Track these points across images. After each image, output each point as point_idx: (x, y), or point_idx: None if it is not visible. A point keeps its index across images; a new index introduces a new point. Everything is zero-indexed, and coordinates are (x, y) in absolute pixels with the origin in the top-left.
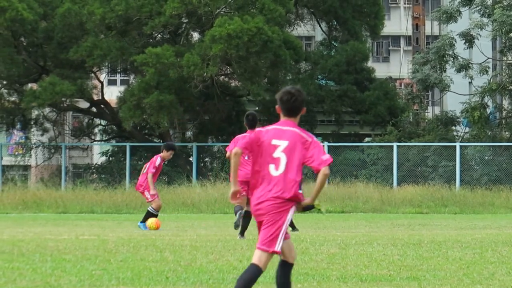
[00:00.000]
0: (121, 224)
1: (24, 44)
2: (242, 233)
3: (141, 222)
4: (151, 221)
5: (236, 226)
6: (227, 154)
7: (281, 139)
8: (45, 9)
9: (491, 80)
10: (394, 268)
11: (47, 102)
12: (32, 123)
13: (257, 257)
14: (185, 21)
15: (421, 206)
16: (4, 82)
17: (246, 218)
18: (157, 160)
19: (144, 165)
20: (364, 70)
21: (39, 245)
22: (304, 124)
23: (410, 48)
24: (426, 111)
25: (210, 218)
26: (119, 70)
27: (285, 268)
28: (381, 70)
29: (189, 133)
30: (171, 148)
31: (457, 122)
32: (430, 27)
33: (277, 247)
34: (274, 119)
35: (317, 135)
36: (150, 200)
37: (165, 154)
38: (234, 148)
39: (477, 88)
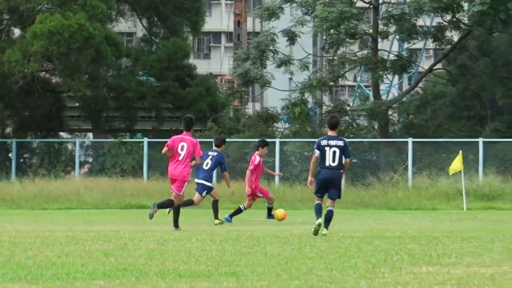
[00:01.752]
0: None
1: None
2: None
3: (229, 216)
4: (279, 212)
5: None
6: (164, 150)
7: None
8: None
9: (312, 76)
10: (212, 263)
11: None
12: None
13: None
14: (6, 17)
15: (240, 202)
16: None
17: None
18: (256, 158)
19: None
20: (185, 67)
21: None
22: (124, 120)
23: (231, 44)
24: (247, 107)
25: (29, 214)
26: None
27: None
28: (202, 67)
29: (8, 129)
30: (266, 144)
31: (277, 118)
32: (252, 24)
33: None
34: (93, 115)
35: (137, 131)
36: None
37: (261, 151)
38: None
39: (297, 84)
